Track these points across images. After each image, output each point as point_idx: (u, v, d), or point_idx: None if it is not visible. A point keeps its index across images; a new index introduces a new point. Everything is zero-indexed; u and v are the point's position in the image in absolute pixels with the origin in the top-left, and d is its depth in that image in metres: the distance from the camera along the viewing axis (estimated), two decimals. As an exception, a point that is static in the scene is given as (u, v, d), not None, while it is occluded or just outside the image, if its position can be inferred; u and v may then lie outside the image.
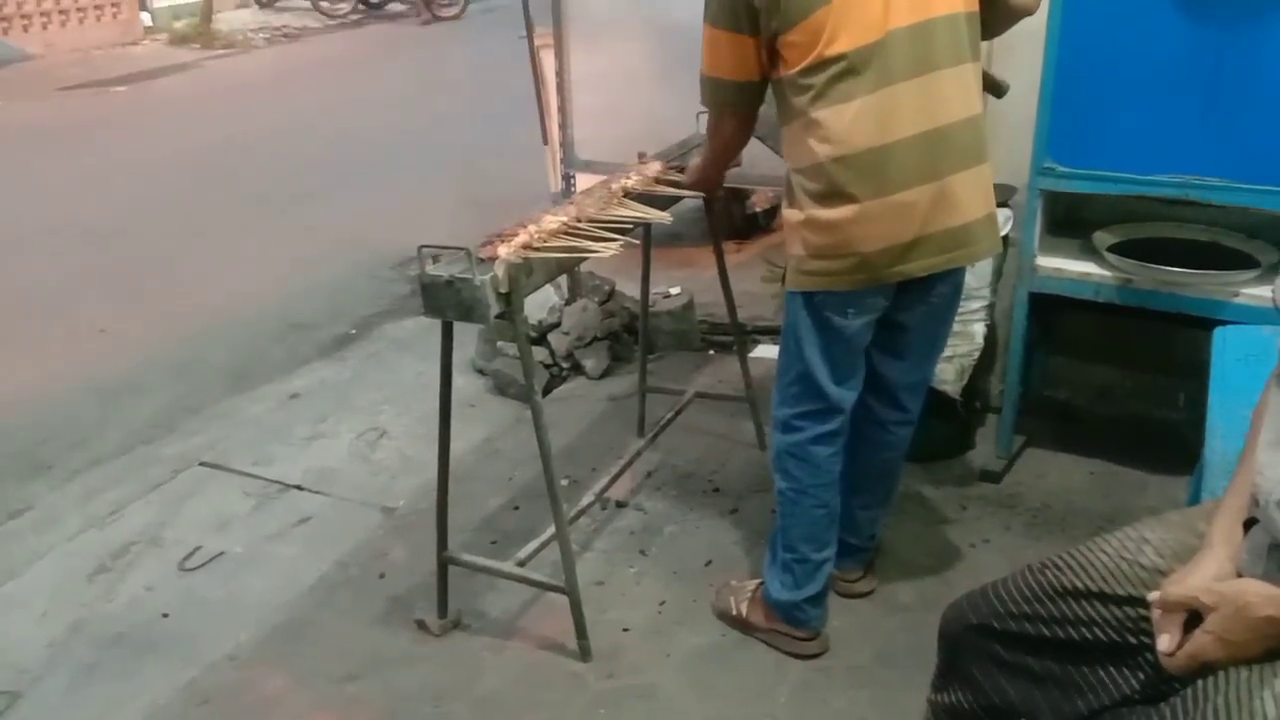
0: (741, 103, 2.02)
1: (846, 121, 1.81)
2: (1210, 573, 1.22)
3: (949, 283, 2.05)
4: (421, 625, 2.38)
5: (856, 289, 1.93)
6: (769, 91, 1.99)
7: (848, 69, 1.79)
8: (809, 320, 2.01)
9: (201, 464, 3.24)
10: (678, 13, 2.78)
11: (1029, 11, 1.99)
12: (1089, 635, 1.34)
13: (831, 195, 1.86)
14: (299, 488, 3.07)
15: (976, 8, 1.89)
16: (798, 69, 1.83)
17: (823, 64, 1.80)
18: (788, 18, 1.80)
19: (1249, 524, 1.27)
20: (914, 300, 2.01)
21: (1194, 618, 1.20)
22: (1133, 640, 1.31)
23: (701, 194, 2.56)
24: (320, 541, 2.79)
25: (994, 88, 2.20)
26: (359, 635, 2.40)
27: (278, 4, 14.39)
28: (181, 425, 3.51)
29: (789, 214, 1.98)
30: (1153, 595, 1.25)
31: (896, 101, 1.81)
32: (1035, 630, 1.38)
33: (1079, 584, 1.36)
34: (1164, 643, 1.22)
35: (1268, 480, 1.20)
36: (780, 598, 2.21)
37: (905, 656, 2.20)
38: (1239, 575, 1.22)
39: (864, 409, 2.17)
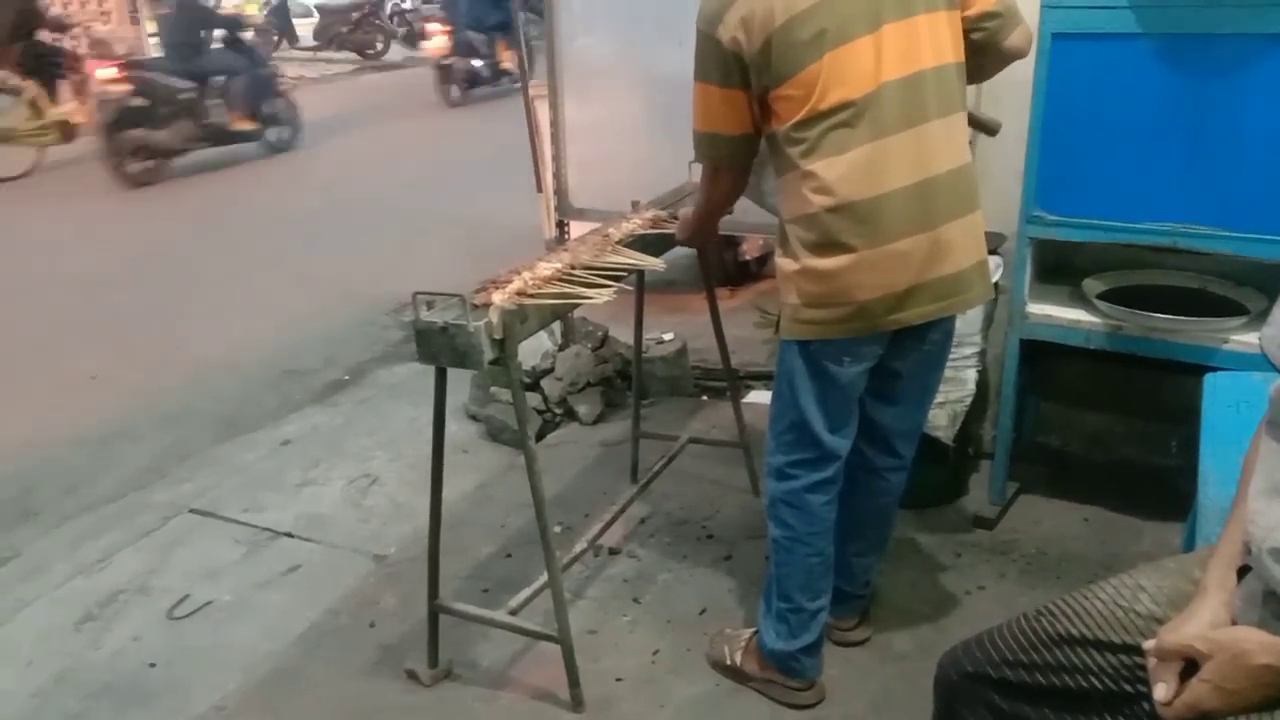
0: (735, 156, 2.03)
1: (840, 173, 1.83)
2: (1205, 620, 1.22)
3: (941, 330, 2.06)
4: (412, 675, 2.35)
5: (853, 337, 1.94)
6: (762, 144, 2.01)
7: (841, 122, 1.82)
8: (804, 368, 2.01)
9: (192, 511, 3.22)
10: (669, 65, 2.81)
11: (1020, 55, 2.02)
12: (1085, 683, 1.33)
13: (827, 245, 1.87)
14: (289, 535, 3.05)
15: (964, 57, 1.92)
16: (791, 123, 1.85)
17: (816, 117, 1.82)
18: (780, 74, 1.82)
19: (1243, 571, 1.27)
20: (908, 348, 2.03)
21: (1190, 666, 1.19)
22: (1129, 689, 1.30)
23: (694, 247, 2.56)
24: (310, 589, 2.77)
25: (984, 127, 2.23)
26: (348, 685, 2.37)
27: (274, 54, 14.57)
28: (172, 472, 3.50)
29: (783, 263, 1.99)
30: (1149, 644, 1.24)
31: (889, 153, 1.83)
32: (1031, 678, 1.37)
33: (1074, 631, 1.35)
34: (1160, 692, 1.21)
35: (1260, 528, 1.20)
36: (775, 647, 2.19)
37: (901, 705, 2.18)
38: (1234, 623, 1.22)
39: (858, 455, 2.17)
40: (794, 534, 2.12)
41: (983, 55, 1.96)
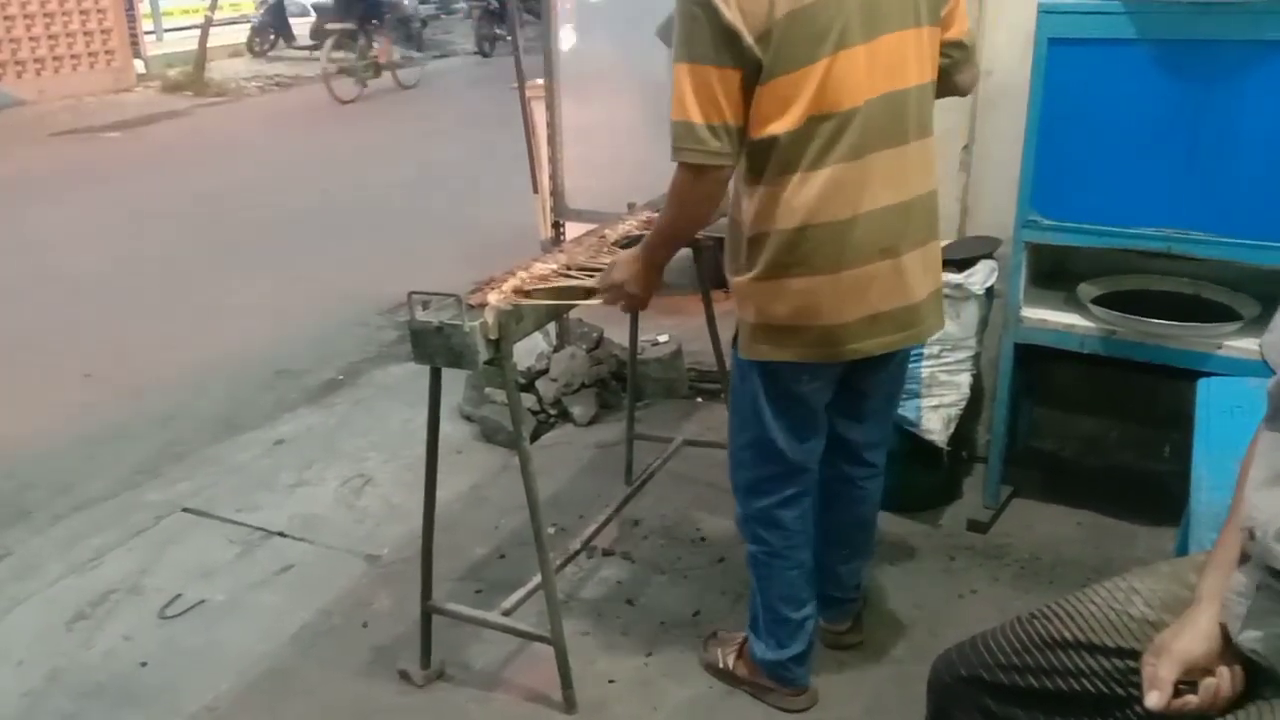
0: (726, 152, 1.76)
1: (815, 190, 1.76)
2: (1201, 629, 1.23)
3: (903, 352, 2.03)
4: (405, 676, 2.35)
5: (810, 361, 1.89)
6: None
7: (821, 134, 1.73)
8: (764, 388, 1.96)
9: (185, 510, 3.21)
10: (666, 67, 2.82)
11: (961, 94, 2.00)
12: (1078, 686, 1.34)
13: (788, 265, 1.81)
14: (283, 535, 3.04)
15: (936, 78, 1.87)
16: (767, 128, 1.74)
17: (798, 126, 1.73)
18: (776, 64, 1.69)
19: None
20: (873, 369, 1.98)
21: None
22: (1121, 692, 1.31)
23: (638, 305, 2.17)
24: (303, 590, 2.76)
25: None
26: (341, 686, 2.37)
27: (271, 53, 14.55)
28: (166, 471, 3.49)
29: (739, 281, 1.90)
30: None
31: (867, 173, 1.76)
32: (1024, 681, 1.37)
33: (1068, 634, 1.35)
34: (1153, 699, 1.21)
35: (1263, 514, 1.20)
36: (765, 658, 2.18)
37: (895, 709, 2.18)
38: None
39: (832, 469, 2.14)
40: (771, 549, 2.09)
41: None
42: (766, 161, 1.78)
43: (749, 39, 1.68)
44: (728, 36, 1.69)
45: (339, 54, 11.50)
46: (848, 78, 1.72)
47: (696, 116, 1.74)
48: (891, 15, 1.74)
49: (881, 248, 1.81)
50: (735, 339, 1.99)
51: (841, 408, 2.06)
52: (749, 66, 1.71)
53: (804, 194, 1.77)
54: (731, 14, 1.67)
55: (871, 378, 2.02)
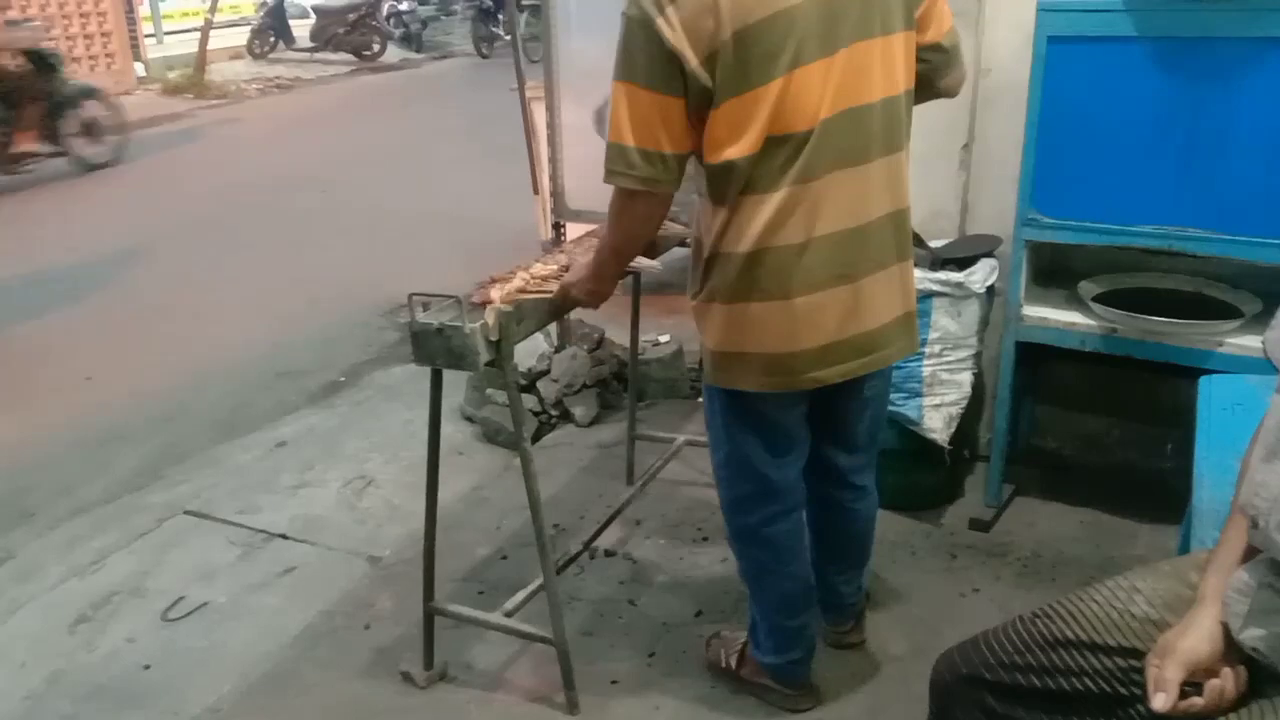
0: (661, 179, 1.71)
1: (769, 214, 1.70)
2: (1205, 629, 1.23)
3: (879, 377, 1.98)
4: (407, 677, 2.35)
5: (769, 391, 1.85)
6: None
7: (776, 156, 1.67)
8: (730, 411, 1.92)
9: (187, 512, 3.21)
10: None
11: (948, 97, 1.92)
12: (1080, 685, 1.33)
13: (741, 289, 1.76)
14: (284, 537, 3.04)
15: (914, 85, 1.79)
16: (725, 153, 1.68)
17: (756, 150, 1.66)
18: (725, 87, 1.63)
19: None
20: (848, 396, 1.95)
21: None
22: (1124, 691, 1.31)
23: (589, 306, 2.09)
24: (305, 591, 2.76)
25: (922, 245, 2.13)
26: (343, 687, 2.37)
27: (271, 56, 14.56)
28: (167, 473, 3.49)
29: (694, 303, 1.86)
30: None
31: (823, 196, 1.70)
32: (1026, 681, 1.37)
33: (1070, 634, 1.35)
34: (1159, 701, 1.21)
35: (1265, 500, 1.19)
36: (765, 660, 2.17)
37: (897, 708, 2.18)
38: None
39: (820, 492, 2.13)
40: (761, 565, 2.08)
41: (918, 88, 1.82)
42: (727, 184, 1.72)
43: (693, 63, 1.61)
44: (669, 60, 1.62)
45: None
46: (805, 96, 1.64)
47: (630, 139, 1.70)
48: (855, 25, 1.65)
49: (836, 274, 1.75)
50: (700, 361, 1.96)
51: (824, 434, 2.04)
52: (694, 94, 1.65)
53: (759, 217, 1.71)
54: (675, 37, 1.61)
55: (848, 401, 1.98)
